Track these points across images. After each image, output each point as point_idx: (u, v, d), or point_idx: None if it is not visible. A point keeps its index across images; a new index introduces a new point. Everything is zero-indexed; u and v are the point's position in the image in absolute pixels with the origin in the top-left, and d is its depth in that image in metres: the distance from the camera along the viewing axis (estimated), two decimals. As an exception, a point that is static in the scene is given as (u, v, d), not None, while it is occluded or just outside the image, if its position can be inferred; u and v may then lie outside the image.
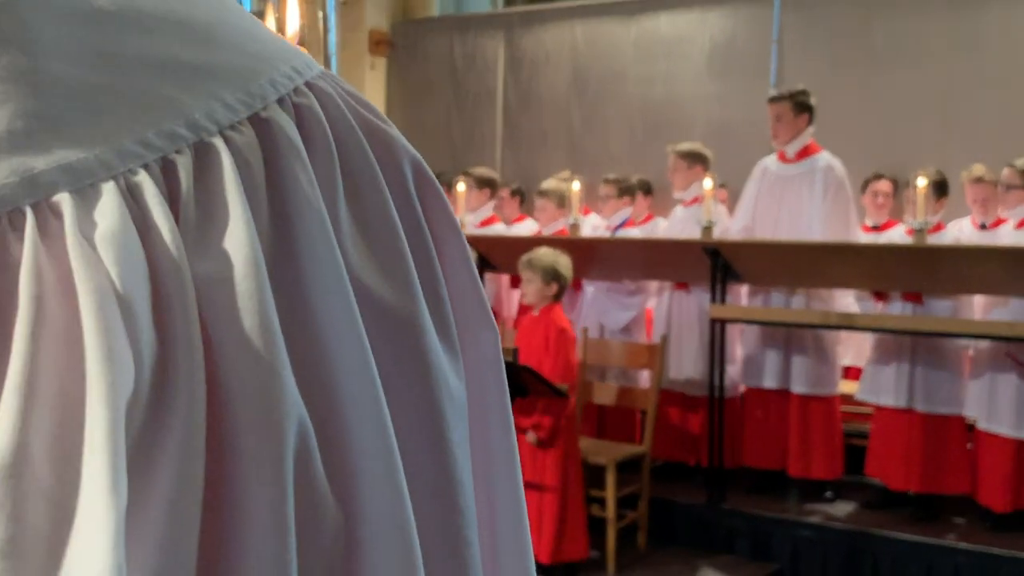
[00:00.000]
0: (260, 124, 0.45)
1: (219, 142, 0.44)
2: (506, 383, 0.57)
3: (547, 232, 6.44)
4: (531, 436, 4.75)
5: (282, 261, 0.44)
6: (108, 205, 0.40)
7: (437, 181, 0.53)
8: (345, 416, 0.44)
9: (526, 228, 6.92)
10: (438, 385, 0.48)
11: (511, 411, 0.57)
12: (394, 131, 0.52)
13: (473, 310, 0.54)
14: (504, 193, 7.27)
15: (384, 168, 0.50)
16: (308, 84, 0.49)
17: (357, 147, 0.49)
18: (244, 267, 0.41)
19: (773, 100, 5.75)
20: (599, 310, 6.18)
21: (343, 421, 0.44)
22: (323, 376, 0.43)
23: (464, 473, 0.49)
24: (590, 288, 6.23)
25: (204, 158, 0.43)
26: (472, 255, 0.56)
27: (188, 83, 0.44)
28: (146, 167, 0.42)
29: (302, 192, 0.45)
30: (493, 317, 0.56)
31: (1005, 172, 5.29)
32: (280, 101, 0.47)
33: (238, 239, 0.42)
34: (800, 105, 5.63)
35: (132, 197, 0.41)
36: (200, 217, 0.42)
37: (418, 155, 0.53)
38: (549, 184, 6.61)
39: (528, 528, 0.59)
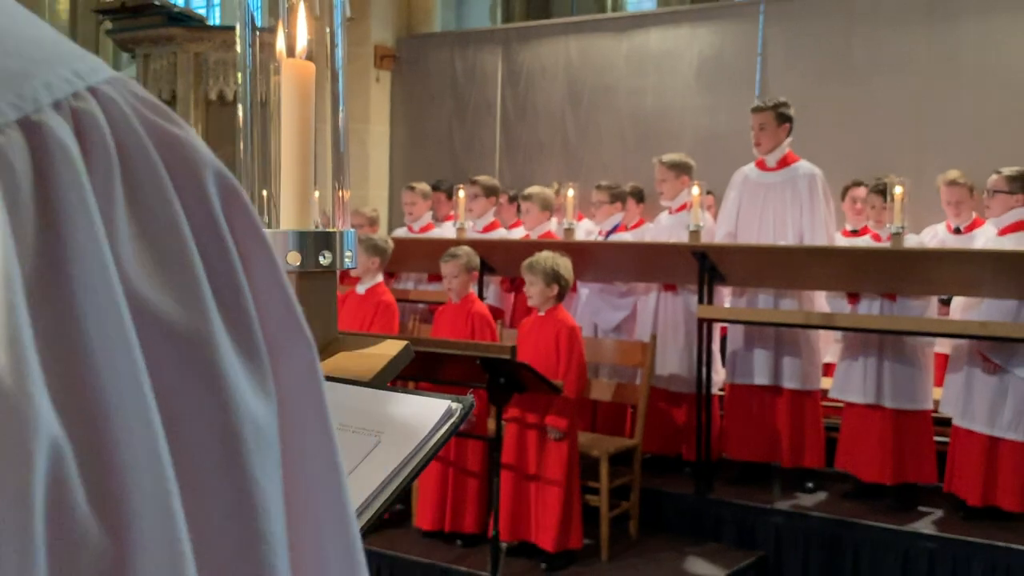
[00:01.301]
0: (30, 128, 0.41)
1: None
2: (325, 400, 0.52)
3: (534, 235, 6.48)
4: (555, 433, 4.80)
5: (49, 272, 0.40)
6: None
7: (243, 192, 0.49)
8: (113, 438, 0.39)
9: (520, 233, 6.94)
10: (233, 406, 0.44)
11: (332, 429, 0.52)
12: (192, 139, 0.48)
13: (285, 326, 0.50)
14: (502, 199, 7.30)
15: (176, 177, 0.46)
16: (92, 89, 0.44)
17: (142, 155, 0.45)
18: None
19: (756, 110, 5.77)
20: (592, 310, 6.22)
21: (111, 443, 0.39)
22: (90, 396, 0.39)
23: (268, 498, 0.45)
24: (584, 290, 6.25)
25: None
26: (283, 268, 0.51)
27: None
28: None
29: (73, 200, 0.41)
30: (308, 332, 0.51)
31: (992, 178, 5.25)
32: (56, 105, 0.43)
33: None
34: (782, 116, 5.67)
35: None
36: None
37: (222, 165, 0.49)
38: (532, 189, 6.66)
39: (359, 549, 0.53)
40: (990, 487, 5.03)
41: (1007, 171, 5.20)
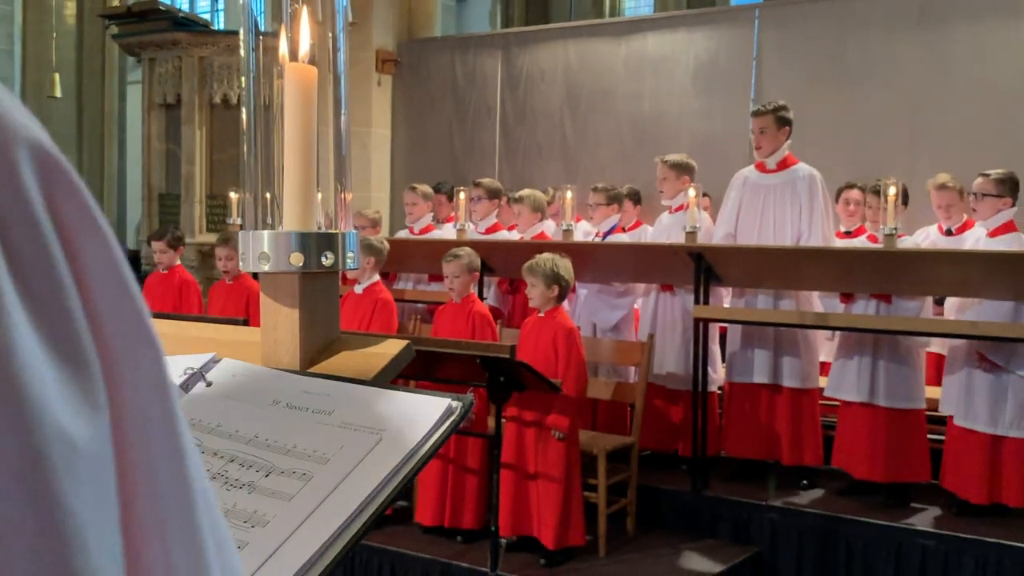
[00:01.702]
0: None
1: None
2: (175, 408, 0.45)
3: (527, 236, 6.49)
4: (558, 433, 4.81)
5: None
6: None
7: (72, 172, 0.42)
8: None
9: (518, 234, 6.94)
10: (35, 425, 0.37)
11: (184, 443, 0.45)
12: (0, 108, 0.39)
13: (126, 326, 0.43)
14: (503, 202, 7.30)
15: None
16: None
17: None
18: None
19: (757, 114, 5.76)
20: (590, 310, 6.22)
21: None
22: None
23: (85, 527, 0.38)
24: (583, 290, 6.26)
25: None
26: (124, 259, 0.44)
27: None
28: None
29: None
30: (155, 335, 0.44)
31: (978, 181, 5.24)
32: None
33: None
34: (781, 119, 5.66)
35: None
36: None
37: (41, 139, 0.41)
38: (524, 191, 6.67)
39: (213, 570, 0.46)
40: (994, 485, 5.03)
41: (993, 174, 5.20)
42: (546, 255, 4.92)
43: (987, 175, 5.20)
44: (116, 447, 0.41)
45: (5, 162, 0.38)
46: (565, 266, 4.90)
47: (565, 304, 5.28)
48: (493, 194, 6.99)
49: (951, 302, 5.31)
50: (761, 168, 5.78)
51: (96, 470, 0.40)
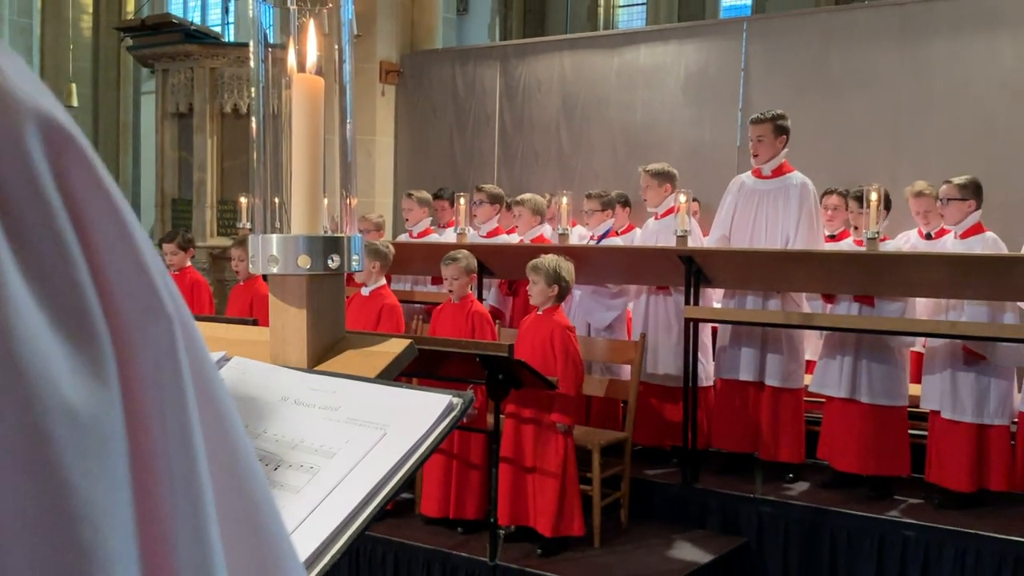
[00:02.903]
0: None
1: None
2: (186, 382, 0.43)
3: (527, 239, 6.49)
4: (561, 427, 4.82)
5: None
6: None
7: (85, 144, 0.40)
8: None
9: (518, 238, 6.94)
10: (36, 399, 0.35)
11: (192, 416, 0.43)
12: (7, 80, 0.38)
13: (138, 298, 0.41)
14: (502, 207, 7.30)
15: None
16: None
17: None
18: None
19: (756, 122, 5.73)
20: (585, 310, 6.22)
21: None
22: None
23: (92, 505, 0.37)
24: (577, 291, 6.26)
25: None
26: (139, 231, 0.42)
27: None
28: None
29: None
30: (167, 304, 0.42)
31: (943, 187, 5.30)
32: None
33: None
34: (779, 128, 5.65)
35: None
36: None
37: (53, 112, 0.39)
38: (525, 195, 6.69)
39: (217, 554, 0.43)
40: (981, 472, 5.05)
41: (957, 180, 5.25)
42: (551, 256, 4.94)
43: (951, 181, 5.26)
44: (130, 423, 0.40)
45: (10, 135, 0.37)
46: (567, 268, 4.93)
47: (563, 305, 5.28)
48: (494, 199, 7.00)
49: (927, 302, 5.33)
50: (757, 174, 5.78)
51: (104, 445, 0.38)
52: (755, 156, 5.73)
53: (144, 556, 0.39)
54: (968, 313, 5.06)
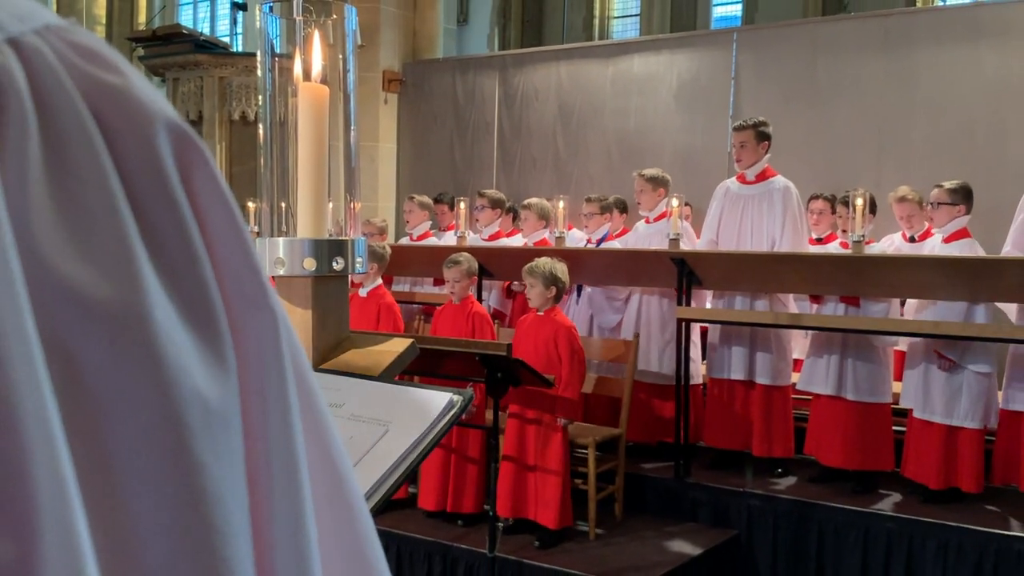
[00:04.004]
0: None
1: None
2: (287, 370, 0.44)
3: (531, 242, 6.49)
4: (563, 420, 4.84)
5: None
6: None
7: (203, 146, 0.41)
8: (19, 433, 0.32)
9: (518, 241, 6.94)
10: (174, 387, 0.37)
11: (292, 406, 0.44)
12: (134, 88, 0.39)
13: (247, 291, 0.42)
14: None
15: (111, 131, 0.38)
16: (12, 40, 0.36)
17: (69, 113, 0.37)
18: None
19: (738, 128, 5.75)
20: (596, 308, 6.24)
21: (14, 440, 0.32)
22: None
23: (220, 484, 0.38)
24: (587, 290, 6.28)
25: None
26: (247, 231, 0.43)
27: None
28: None
29: None
30: (275, 300, 0.44)
31: (934, 191, 5.27)
32: None
33: None
34: (761, 134, 5.66)
35: None
36: None
37: (178, 119, 0.40)
38: (532, 199, 6.69)
39: (311, 536, 0.44)
40: (950, 472, 5.03)
41: (947, 184, 5.23)
42: (544, 259, 4.94)
43: (942, 186, 5.24)
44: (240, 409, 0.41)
45: (142, 139, 0.38)
46: (562, 269, 4.93)
47: (571, 301, 5.28)
48: (496, 204, 7.00)
49: (910, 303, 5.32)
50: (741, 179, 5.78)
51: (228, 429, 0.39)
52: (738, 161, 5.74)
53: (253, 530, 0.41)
54: (940, 313, 5.03)
